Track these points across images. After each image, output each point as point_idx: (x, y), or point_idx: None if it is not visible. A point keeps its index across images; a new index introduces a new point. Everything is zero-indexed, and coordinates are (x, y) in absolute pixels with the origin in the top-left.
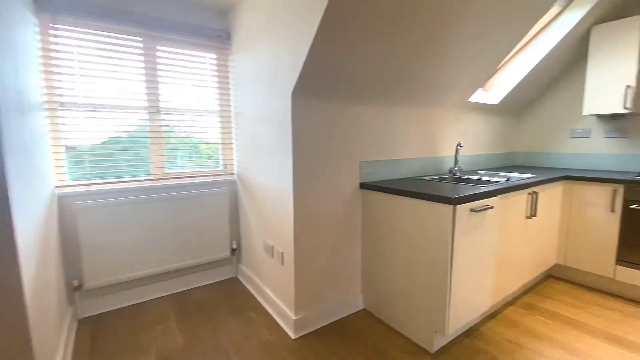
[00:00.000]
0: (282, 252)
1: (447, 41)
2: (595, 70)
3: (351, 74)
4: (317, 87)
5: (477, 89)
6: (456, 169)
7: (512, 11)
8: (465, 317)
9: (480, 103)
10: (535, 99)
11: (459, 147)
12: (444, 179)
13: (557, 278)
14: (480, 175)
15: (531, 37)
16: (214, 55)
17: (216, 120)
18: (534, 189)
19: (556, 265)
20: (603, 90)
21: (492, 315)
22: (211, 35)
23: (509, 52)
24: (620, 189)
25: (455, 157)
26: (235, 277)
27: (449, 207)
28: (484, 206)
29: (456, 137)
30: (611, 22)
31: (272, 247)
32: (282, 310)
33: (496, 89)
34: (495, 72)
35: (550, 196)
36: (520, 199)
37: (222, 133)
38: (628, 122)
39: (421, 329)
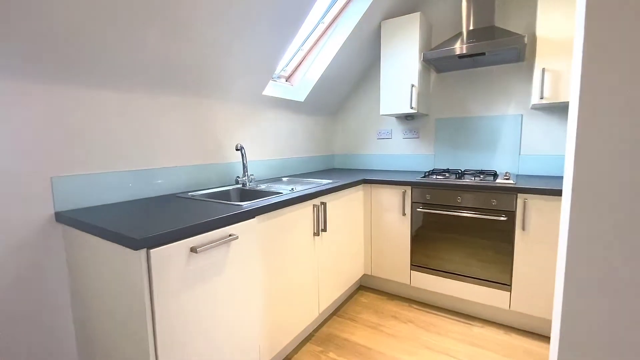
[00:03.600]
0: None
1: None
2: (387, 68)
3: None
4: None
5: (268, 77)
6: (244, 178)
7: None
8: None
9: (283, 99)
10: (345, 98)
11: (240, 150)
12: (222, 193)
13: (366, 288)
14: (277, 184)
15: (326, 26)
16: None
17: None
18: (323, 198)
19: (364, 276)
20: (395, 89)
21: None
22: None
23: (293, 32)
24: (408, 191)
25: (243, 163)
26: None
27: (136, 254)
28: (224, 237)
29: (256, 138)
30: (397, 17)
31: None
32: None
33: (301, 84)
34: (297, 65)
35: (352, 202)
36: (302, 213)
37: None
38: (418, 123)
39: None
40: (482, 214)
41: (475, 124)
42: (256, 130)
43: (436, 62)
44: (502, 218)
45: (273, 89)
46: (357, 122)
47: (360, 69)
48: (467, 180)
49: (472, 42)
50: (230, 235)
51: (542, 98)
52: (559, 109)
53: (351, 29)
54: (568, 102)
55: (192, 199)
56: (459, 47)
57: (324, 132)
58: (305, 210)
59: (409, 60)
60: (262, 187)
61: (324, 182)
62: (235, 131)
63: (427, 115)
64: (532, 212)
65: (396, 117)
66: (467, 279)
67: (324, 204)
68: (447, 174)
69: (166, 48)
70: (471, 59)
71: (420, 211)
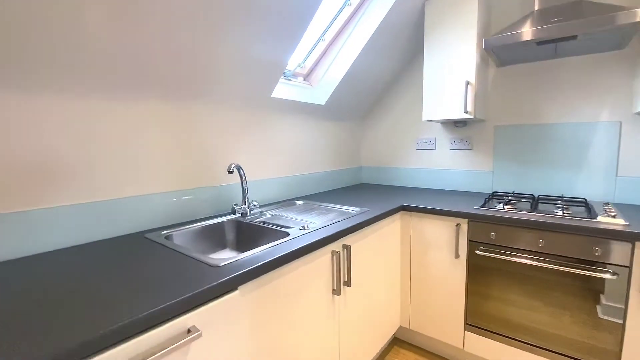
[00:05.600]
0: None
1: None
2: (432, 61)
3: None
4: None
5: (277, 75)
6: (243, 205)
7: None
8: None
9: (299, 102)
10: (376, 100)
11: (238, 169)
12: (208, 231)
13: (403, 343)
14: (288, 211)
15: (354, 8)
16: None
17: None
18: (346, 239)
19: (401, 328)
20: (442, 88)
21: None
22: None
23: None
24: (464, 226)
25: (242, 187)
26: None
27: None
28: (176, 339)
29: (263, 151)
30: None
31: None
32: None
33: (322, 84)
34: (318, 60)
35: (386, 236)
36: (316, 265)
37: None
38: (472, 130)
39: None
40: (578, 267)
41: (551, 134)
42: (264, 142)
43: (501, 52)
44: (609, 276)
45: (285, 90)
46: (391, 128)
47: (396, 63)
48: (552, 214)
49: (559, 21)
50: (188, 332)
51: None
52: None
53: (385, 12)
54: None
55: (161, 245)
56: (541, 30)
57: (350, 141)
58: (321, 261)
59: (463, 50)
60: (268, 215)
61: (352, 211)
62: (234, 144)
63: (483, 121)
64: None
65: (442, 123)
66: (545, 353)
67: (347, 248)
68: (514, 201)
69: (133, 35)
70: (553, 46)
71: (481, 254)
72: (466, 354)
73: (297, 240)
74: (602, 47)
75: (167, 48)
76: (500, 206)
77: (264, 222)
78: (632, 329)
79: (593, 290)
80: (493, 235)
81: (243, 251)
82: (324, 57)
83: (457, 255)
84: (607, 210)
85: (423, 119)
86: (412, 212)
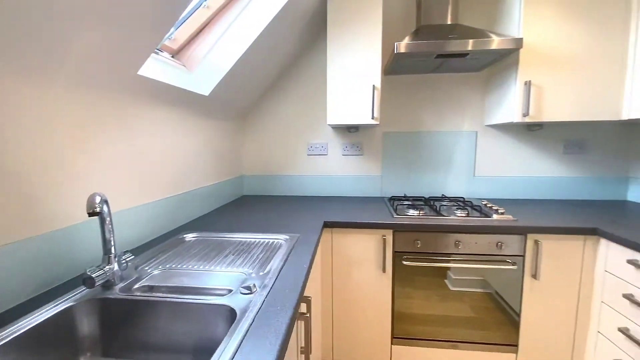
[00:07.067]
0: None
1: None
2: (336, 60)
3: None
4: None
5: (155, 38)
6: (108, 267)
7: None
8: None
9: (177, 89)
10: (261, 97)
11: (99, 208)
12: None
13: None
14: (183, 263)
15: None
16: None
17: None
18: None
19: None
20: (348, 91)
21: None
22: None
23: None
24: (389, 237)
25: (104, 235)
26: None
27: None
28: None
29: (125, 165)
30: None
31: None
32: None
33: (205, 69)
34: (196, 33)
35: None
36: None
37: None
38: (363, 136)
39: None
40: (490, 262)
41: (428, 140)
42: (128, 149)
43: (401, 60)
44: (512, 267)
45: (158, 68)
46: (279, 131)
47: (291, 53)
48: (468, 217)
49: (455, 38)
50: None
51: (525, 115)
52: (515, 129)
53: (281, 5)
54: (545, 121)
55: None
56: (445, 43)
57: (231, 145)
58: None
59: (369, 52)
60: (155, 274)
61: (279, 240)
62: (78, 154)
63: (372, 127)
64: (544, 256)
65: (333, 128)
66: (464, 345)
67: (308, 302)
68: (422, 205)
69: None
70: (441, 61)
71: (408, 264)
72: None
73: (262, 319)
74: (468, 68)
75: None
76: (412, 212)
77: (153, 293)
78: (527, 309)
79: (499, 281)
80: (418, 244)
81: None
82: (207, 31)
83: (383, 270)
84: (491, 207)
85: (328, 123)
86: (334, 229)
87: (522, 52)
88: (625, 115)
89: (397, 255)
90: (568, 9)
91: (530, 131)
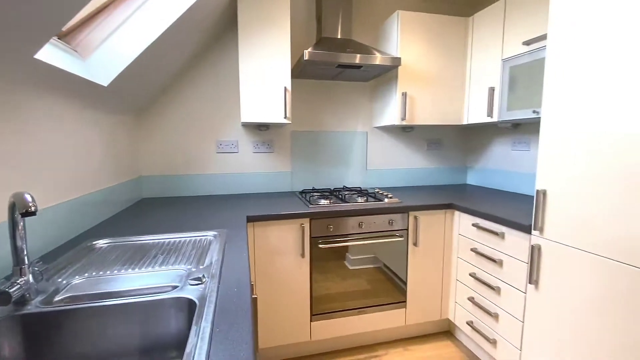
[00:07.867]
0: None
1: None
2: (247, 60)
3: None
4: None
5: (62, 19)
6: (23, 279)
7: None
8: None
9: (78, 78)
10: (163, 89)
11: (33, 207)
12: None
13: None
14: (106, 277)
15: None
16: None
17: None
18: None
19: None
20: (261, 89)
21: None
22: None
23: None
24: (307, 225)
25: (16, 242)
26: None
27: None
28: None
29: (30, 159)
30: None
31: None
32: None
33: (102, 57)
34: (93, 15)
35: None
36: None
37: None
38: (273, 134)
39: None
40: (385, 237)
41: (330, 139)
42: (16, 146)
43: (309, 65)
44: (400, 239)
45: (57, 55)
46: (183, 128)
47: (199, 49)
48: (367, 202)
49: (352, 52)
50: None
51: (403, 119)
52: (395, 130)
53: None
54: (415, 124)
55: None
56: (344, 55)
57: (127, 142)
58: None
59: (279, 56)
60: (75, 283)
61: (208, 236)
62: None
63: (282, 126)
64: (421, 228)
65: (243, 125)
66: (367, 310)
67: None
68: (329, 195)
69: None
70: (338, 70)
71: (323, 247)
72: (314, 343)
73: (225, 302)
74: (360, 78)
75: None
76: (323, 201)
77: (92, 300)
78: (411, 270)
79: (390, 251)
80: (331, 228)
81: None
82: (104, 16)
83: (302, 255)
84: (382, 193)
85: (242, 120)
86: (255, 222)
87: (400, 69)
88: (465, 121)
89: (314, 241)
90: (428, 36)
91: (405, 132)
